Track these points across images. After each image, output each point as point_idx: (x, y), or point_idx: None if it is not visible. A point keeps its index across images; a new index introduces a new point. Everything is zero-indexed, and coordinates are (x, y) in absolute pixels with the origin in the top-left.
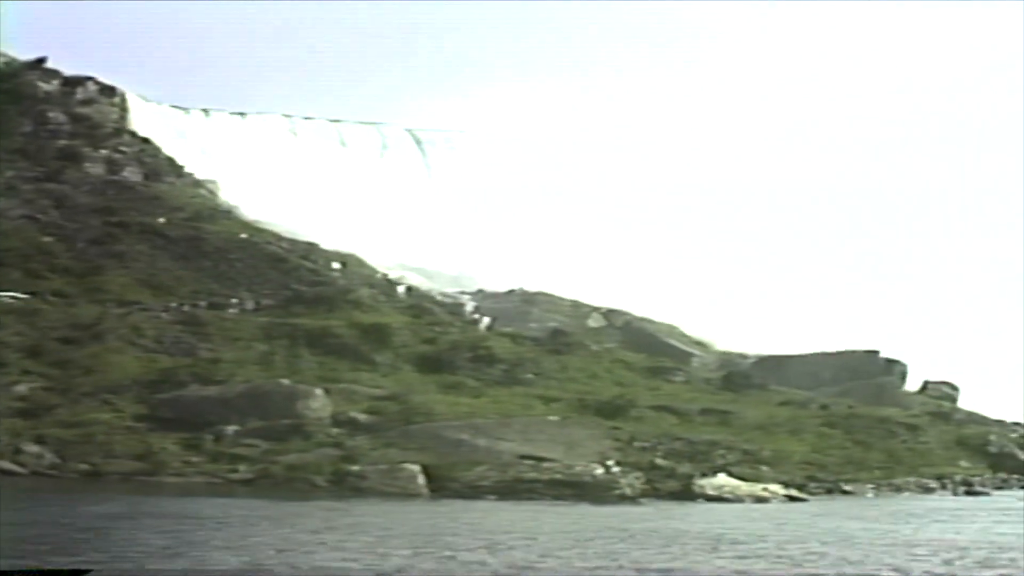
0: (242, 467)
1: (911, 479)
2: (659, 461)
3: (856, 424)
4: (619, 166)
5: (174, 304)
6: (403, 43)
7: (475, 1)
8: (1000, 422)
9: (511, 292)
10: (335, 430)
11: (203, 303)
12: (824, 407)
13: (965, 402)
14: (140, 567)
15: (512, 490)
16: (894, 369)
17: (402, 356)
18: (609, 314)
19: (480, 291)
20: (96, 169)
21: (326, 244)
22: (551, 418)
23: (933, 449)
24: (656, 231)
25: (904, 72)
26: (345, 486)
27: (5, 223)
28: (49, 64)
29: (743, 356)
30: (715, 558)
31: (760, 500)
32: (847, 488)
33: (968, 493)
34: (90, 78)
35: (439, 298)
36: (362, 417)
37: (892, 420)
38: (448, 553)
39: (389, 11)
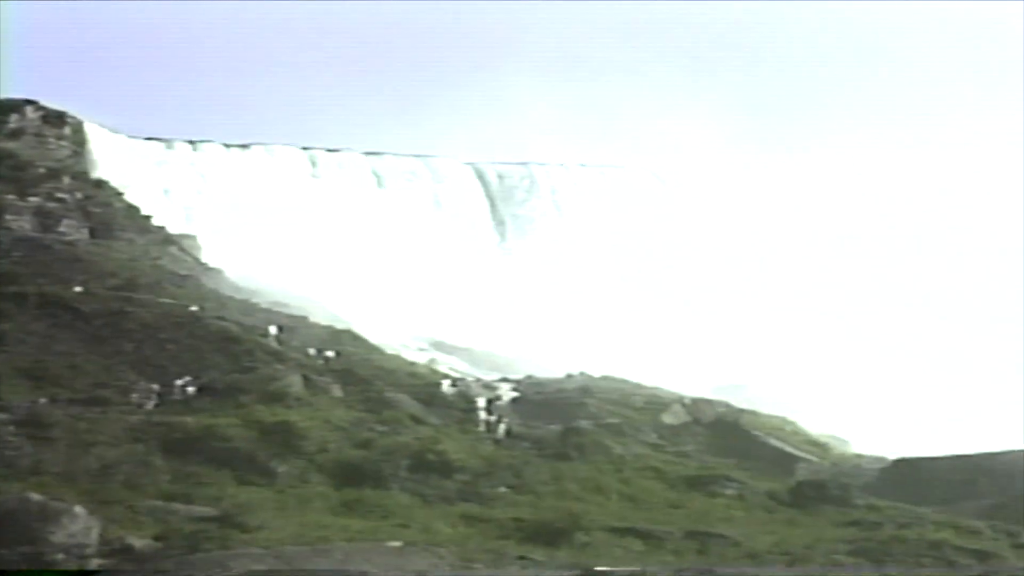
0: None
1: None
2: None
3: (895, 552)
4: (741, 221)
5: (43, 400)
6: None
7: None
8: None
9: (568, 378)
10: (96, 560)
11: (79, 397)
12: (904, 527)
13: None
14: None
15: None
16: None
17: (316, 464)
18: (695, 406)
19: (529, 377)
20: (21, 223)
21: (321, 316)
22: (393, 544)
23: None
24: (780, 303)
25: None
26: None
27: None
28: None
29: (879, 460)
30: None
31: None
32: None
33: None
34: (30, 101)
35: (458, 387)
36: (139, 543)
37: (949, 544)
38: None
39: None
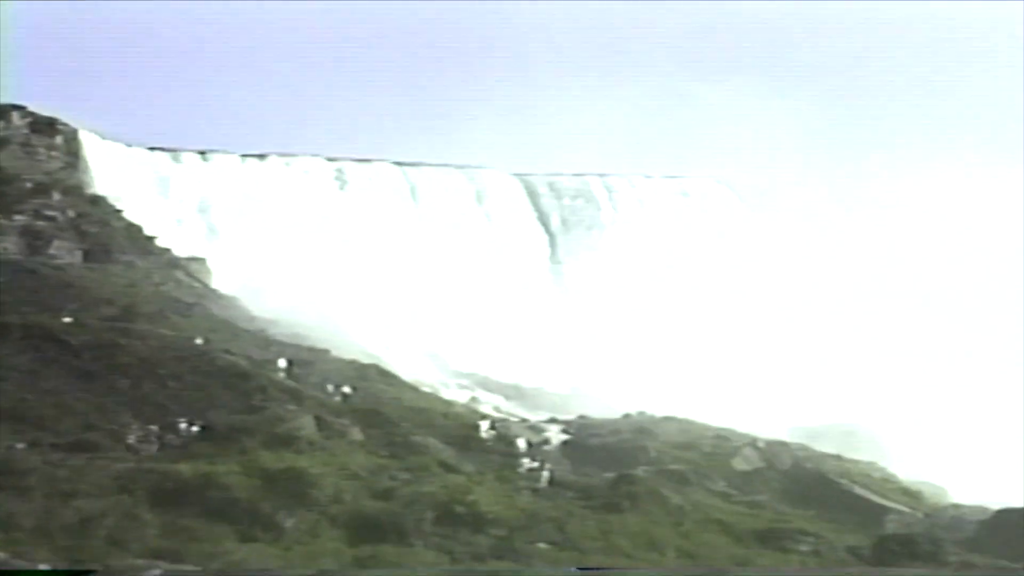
0: None
1: None
2: None
3: None
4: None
5: (21, 445)
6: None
7: None
8: None
9: (626, 418)
10: None
11: (63, 442)
12: None
13: None
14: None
15: None
16: None
17: (328, 516)
18: (770, 449)
19: (582, 417)
20: (4, 244)
21: (347, 349)
22: None
23: None
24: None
25: None
26: None
27: None
28: None
29: (980, 510)
30: None
31: None
32: None
33: None
34: (17, 107)
35: (498, 429)
36: None
37: None
38: None
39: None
